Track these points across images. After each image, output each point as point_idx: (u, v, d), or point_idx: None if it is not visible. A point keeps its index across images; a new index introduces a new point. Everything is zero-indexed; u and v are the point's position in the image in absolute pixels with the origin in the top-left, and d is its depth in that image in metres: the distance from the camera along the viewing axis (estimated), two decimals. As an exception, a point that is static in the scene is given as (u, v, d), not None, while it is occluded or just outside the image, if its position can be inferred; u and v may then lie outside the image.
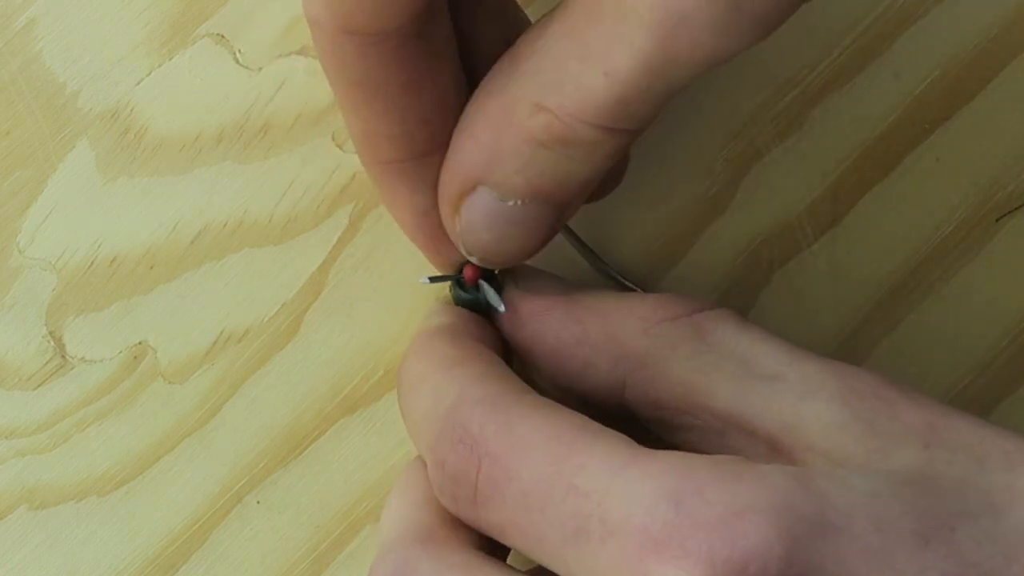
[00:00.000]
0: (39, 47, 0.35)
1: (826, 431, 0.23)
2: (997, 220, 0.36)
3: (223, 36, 0.35)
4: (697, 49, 0.23)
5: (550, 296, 0.28)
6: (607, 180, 0.30)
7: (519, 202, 0.25)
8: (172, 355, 0.35)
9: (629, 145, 0.25)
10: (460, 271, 0.29)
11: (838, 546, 0.21)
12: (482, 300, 0.29)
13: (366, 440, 0.35)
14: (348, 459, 0.35)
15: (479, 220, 0.26)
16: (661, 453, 0.22)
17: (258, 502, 0.35)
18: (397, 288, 0.35)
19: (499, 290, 0.29)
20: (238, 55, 0.35)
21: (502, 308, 0.28)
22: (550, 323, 0.27)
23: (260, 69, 0.35)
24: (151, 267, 0.35)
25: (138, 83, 0.35)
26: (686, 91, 0.36)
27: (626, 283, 0.34)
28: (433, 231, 0.28)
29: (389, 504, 0.29)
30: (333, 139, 0.35)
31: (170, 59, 0.35)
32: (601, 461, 0.22)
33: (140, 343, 0.35)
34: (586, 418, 0.24)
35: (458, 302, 0.30)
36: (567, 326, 0.27)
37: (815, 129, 0.36)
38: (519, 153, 0.25)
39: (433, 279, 0.30)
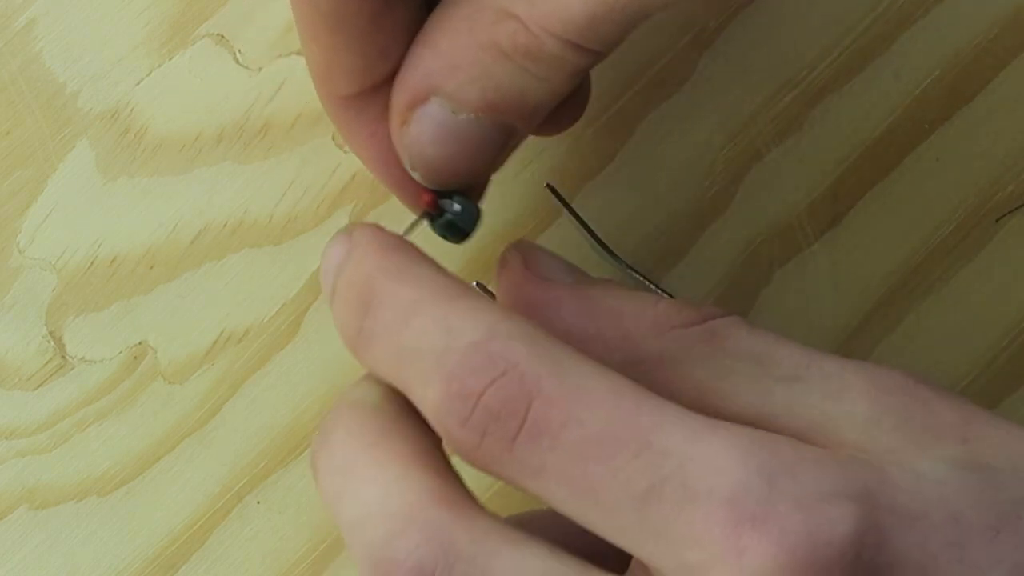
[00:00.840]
0: (39, 47, 0.35)
1: (858, 427, 0.23)
2: (997, 220, 0.36)
3: (223, 36, 0.35)
4: None
5: (561, 287, 0.27)
6: (566, 111, 0.29)
7: (471, 116, 0.25)
8: (172, 355, 0.35)
9: (587, 70, 0.25)
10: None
11: (919, 536, 0.21)
12: (458, 217, 0.28)
13: (366, 440, 0.35)
14: (348, 459, 0.35)
15: (428, 132, 0.25)
16: (734, 425, 0.22)
17: (258, 502, 0.35)
18: (397, 288, 0.35)
19: (465, 203, 0.28)
20: (238, 55, 0.35)
21: (475, 211, 0.27)
22: (560, 315, 0.26)
23: (260, 69, 0.35)
24: (151, 267, 0.35)
25: (138, 83, 0.35)
26: (686, 91, 0.36)
27: (636, 274, 0.34)
28: (395, 166, 0.28)
29: (355, 463, 0.24)
30: (333, 139, 0.35)
31: (170, 59, 0.35)
32: (676, 423, 0.22)
33: (140, 343, 0.35)
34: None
35: (440, 232, 0.28)
36: (579, 321, 0.26)
37: (815, 129, 0.36)
38: (478, 62, 0.24)
39: (406, 231, 0.28)
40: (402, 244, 0.25)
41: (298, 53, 0.35)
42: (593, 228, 0.34)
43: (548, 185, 0.35)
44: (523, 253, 0.27)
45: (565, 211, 0.34)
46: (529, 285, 0.26)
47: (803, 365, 0.24)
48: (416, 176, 0.27)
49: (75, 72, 0.35)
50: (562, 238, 0.35)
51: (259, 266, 0.35)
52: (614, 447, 0.21)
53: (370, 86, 0.26)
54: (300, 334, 0.35)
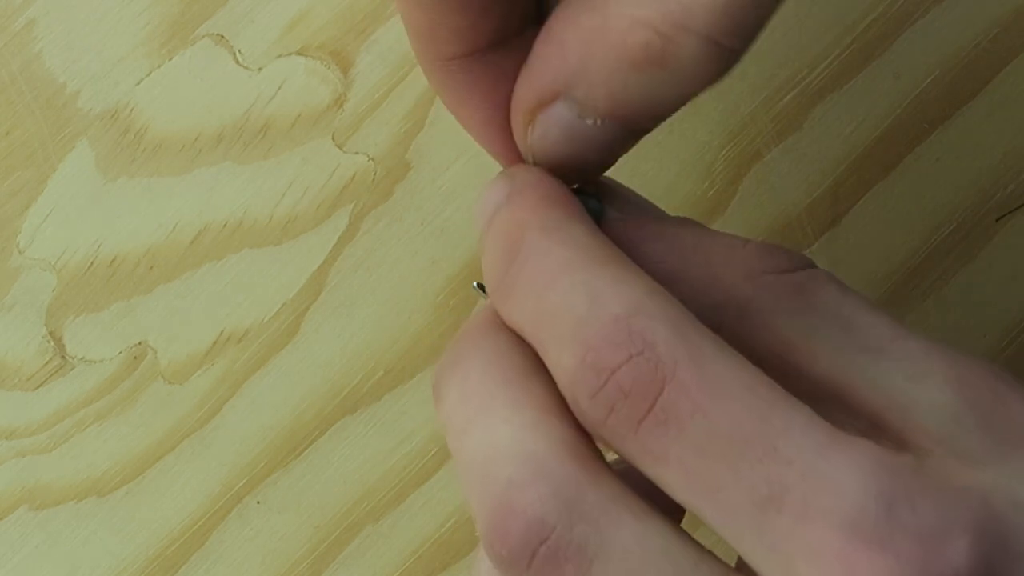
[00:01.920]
0: (39, 47, 0.35)
1: (940, 419, 0.22)
2: (997, 220, 0.36)
3: (223, 36, 0.35)
4: None
5: (647, 223, 0.26)
6: None
7: (597, 121, 0.24)
8: (172, 355, 0.35)
9: (720, 75, 0.24)
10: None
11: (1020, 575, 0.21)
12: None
13: (366, 440, 0.35)
14: (348, 459, 0.35)
15: (553, 134, 0.25)
16: (858, 440, 0.21)
17: (258, 502, 0.35)
18: (397, 288, 0.35)
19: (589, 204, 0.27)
20: (238, 55, 0.35)
21: (598, 208, 0.26)
22: (647, 253, 0.25)
23: (260, 69, 0.35)
24: (151, 267, 0.35)
25: (138, 83, 0.35)
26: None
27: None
28: (500, 132, 0.27)
29: (491, 397, 0.23)
30: (333, 139, 0.35)
31: (170, 59, 0.35)
32: (804, 431, 0.21)
33: (140, 343, 0.35)
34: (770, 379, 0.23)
35: None
36: (666, 258, 0.25)
37: (815, 129, 0.36)
38: (608, 70, 0.23)
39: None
40: (561, 198, 0.25)
41: (298, 53, 0.35)
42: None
43: None
44: (604, 192, 0.27)
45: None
46: (613, 225, 0.26)
47: (888, 338, 0.23)
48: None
49: (75, 72, 0.35)
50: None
51: (259, 266, 0.35)
52: (740, 447, 0.21)
53: (473, 48, 0.25)
54: (300, 334, 0.35)
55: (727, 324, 0.24)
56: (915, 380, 0.23)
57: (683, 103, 0.24)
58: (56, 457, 0.34)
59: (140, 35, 0.35)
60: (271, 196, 0.35)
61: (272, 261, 0.35)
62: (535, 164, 0.26)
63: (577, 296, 0.22)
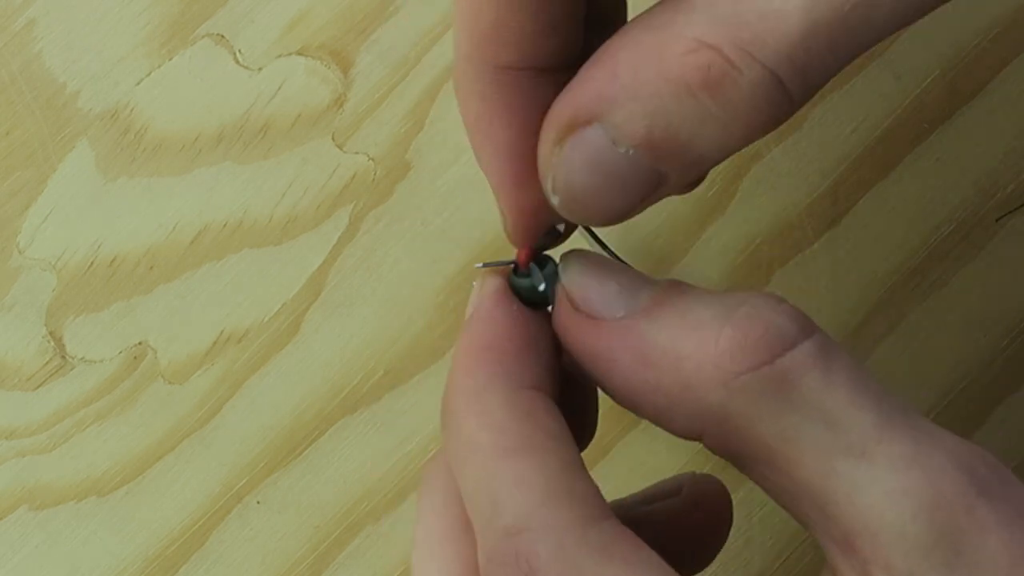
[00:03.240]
0: (39, 47, 0.35)
1: (909, 554, 0.22)
2: (997, 220, 0.36)
3: (223, 36, 0.35)
4: None
5: (613, 332, 0.25)
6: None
7: (631, 151, 0.23)
8: (172, 355, 0.35)
9: (771, 126, 0.22)
10: (515, 258, 0.27)
11: None
12: (536, 287, 0.26)
13: (366, 440, 0.35)
14: (348, 459, 0.35)
15: (581, 158, 0.23)
16: None
17: (258, 502, 0.35)
18: (397, 288, 0.35)
19: (553, 275, 0.26)
20: (238, 55, 0.35)
21: (542, 287, 0.26)
22: (617, 367, 0.24)
23: (260, 69, 0.35)
24: (151, 267, 0.35)
25: (138, 83, 0.35)
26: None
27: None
28: (518, 162, 0.25)
29: (424, 538, 0.25)
30: (333, 139, 0.35)
31: (170, 59, 0.35)
32: None
33: (140, 343, 0.35)
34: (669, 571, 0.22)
35: (515, 289, 0.27)
36: (638, 372, 0.24)
37: (815, 129, 0.36)
38: (657, 95, 0.22)
39: (487, 264, 0.27)
40: (500, 343, 0.24)
41: (298, 53, 0.35)
42: (593, 228, 0.34)
43: None
44: (570, 287, 0.26)
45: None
46: (580, 330, 0.25)
47: (874, 440, 0.23)
48: (553, 201, 0.25)
49: (75, 72, 0.35)
50: (562, 238, 0.35)
51: (259, 266, 0.35)
52: None
53: (531, 61, 0.24)
54: (300, 334, 0.35)
55: (707, 431, 0.24)
56: (892, 499, 0.22)
57: (720, 154, 0.23)
58: (56, 457, 0.34)
59: (140, 35, 0.35)
60: (271, 196, 0.35)
61: (272, 261, 0.35)
62: (553, 192, 0.24)
63: (481, 495, 0.23)
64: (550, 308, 0.26)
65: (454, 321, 0.35)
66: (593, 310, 0.25)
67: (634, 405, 0.24)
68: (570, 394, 0.26)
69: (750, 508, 0.34)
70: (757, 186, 0.36)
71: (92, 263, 0.35)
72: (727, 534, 0.28)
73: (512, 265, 0.27)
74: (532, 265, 0.26)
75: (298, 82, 0.35)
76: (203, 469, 0.34)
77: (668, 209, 0.36)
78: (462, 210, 0.35)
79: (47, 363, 0.35)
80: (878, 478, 0.22)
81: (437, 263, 0.35)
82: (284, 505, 0.35)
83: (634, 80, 0.22)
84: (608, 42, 0.23)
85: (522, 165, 0.25)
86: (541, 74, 0.24)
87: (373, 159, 0.35)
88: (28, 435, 0.34)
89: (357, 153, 0.35)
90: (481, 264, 0.27)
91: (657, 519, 0.27)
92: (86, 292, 0.35)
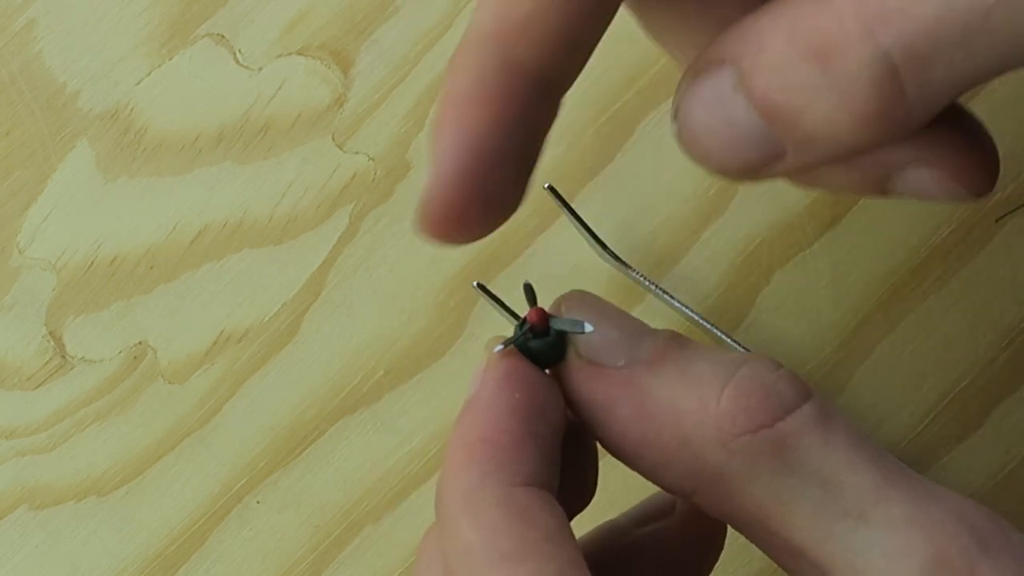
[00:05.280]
0: (39, 47, 0.35)
1: None
2: (997, 220, 0.36)
3: (223, 36, 0.35)
4: None
5: (614, 382, 0.24)
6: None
7: (746, 102, 0.22)
8: (172, 355, 0.35)
9: (864, 136, 0.21)
10: (524, 320, 0.25)
11: None
12: (547, 347, 0.25)
13: (366, 440, 0.35)
14: (348, 459, 0.35)
15: (705, 93, 0.22)
16: None
17: (258, 502, 0.35)
18: (397, 288, 0.35)
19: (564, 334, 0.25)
20: (238, 55, 0.35)
21: (588, 328, 0.24)
22: (616, 417, 0.24)
23: (260, 69, 0.35)
24: (151, 267, 0.35)
25: (138, 83, 0.35)
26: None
27: (636, 274, 0.34)
28: (472, 166, 0.23)
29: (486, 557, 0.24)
30: (333, 139, 0.35)
31: (170, 59, 0.35)
32: None
33: (140, 343, 0.35)
34: None
35: (521, 349, 0.25)
36: (636, 424, 0.24)
37: (815, 129, 0.36)
38: (777, 52, 0.21)
39: (507, 343, 0.25)
40: (488, 447, 0.23)
41: (298, 53, 0.35)
42: (593, 228, 0.34)
43: (548, 186, 0.35)
44: (574, 345, 0.25)
45: (565, 211, 0.34)
46: (581, 378, 0.25)
47: (871, 501, 0.22)
48: (672, 128, 0.24)
49: (75, 72, 0.35)
50: (562, 238, 0.35)
51: (259, 266, 0.35)
52: None
53: (538, 67, 0.22)
54: (300, 334, 0.35)
55: (702, 489, 0.23)
56: (891, 561, 0.22)
57: (825, 140, 0.21)
58: (56, 457, 0.34)
59: (140, 35, 0.35)
60: (271, 196, 0.35)
61: (272, 261, 0.35)
62: (674, 119, 0.23)
63: None
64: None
65: (454, 321, 0.35)
66: (593, 356, 0.24)
67: (629, 457, 0.24)
68: (572, 448, 0.25)
69: (750, 508, 0.34)
70: (757, 186, 0.36)
71: (92, 263, 0.35)
72: (722, 548, 0.28)
73: (521, 324, 0.25)
74: (553, 320, 0.25)
75: (298, 82, 0.35)
76: (203, 469, 0.34)
77: (668, 209, 0.36)
78: (462, 210, 0.35)
79: (47, 363, 0.35)
80: (876, 540, 0.22)
81: (437, 263, 0.35)
82: (284, 505, 0.35)
83: (767, 33, 0.21)
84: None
85: (477, 164, 0.23)
86: (541, 84, 0.23)
87: (373, 159, 0.35)
88: (28, 435, 0.34)
89: (357, 153, 0.35)
90: (500, 346, 0.25)
91: (653, 541, 0.27)
92: (86, 292, 0.35)
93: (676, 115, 0.23)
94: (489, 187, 0.23)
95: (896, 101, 0.20)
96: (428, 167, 0.23)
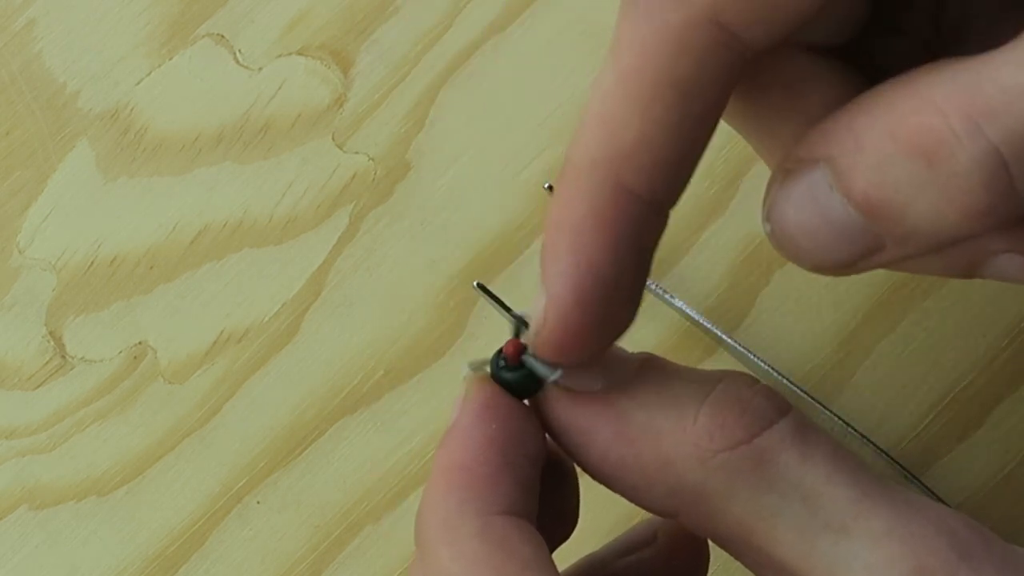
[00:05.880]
0: (39, 47, 0.35)
1: None
2: (997, 220, 0.36)
3: (223, 36, 0.35)
4: None
5: (593, 407, 0.25)
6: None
7: (844, 201, 0.22)
8: (172, 355, 0.35)
9: (964, 227, 0.21)
10: (500, 351, 0.26)
11: None
12: (523, 378, 0.25)
13: (366, 440, 0.35)
14: (348, 459, 0.35)
15: (799, 193, 0.23)
16: None
17: (258, 502, 0.35)
18: (397, 288, 0.35)
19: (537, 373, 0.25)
20: (238, 55, 0.35)
21: (555, 376, 0.24)
22: (595, 442, 0.24)
23: (260, 69, 0.35)
24: (151, 267, 0.35)
25: (138, 83, 0.35)
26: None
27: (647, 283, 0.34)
28: (589, 292, 0.23)
29: None
30: (333, 139, 0.35)
31: (170, 59, 0.35)
32: None
33: (140, 343, 0.35)
34: None
35: (498, 380, 0.26)
36: (616, 447, 0.24)
37: (815, 129, 0.36)
38: (879, 150, 0.21)
39: (472, 365, 0.26)
40: (466, 476, 0.23)
41: (298, 53, 0.35)
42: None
43: (548, 186, 0.35)
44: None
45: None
46: (559, 404, 0.25)
47: (851, 514, 0.22)
48: (766, 228, 0.24)
49: (75, 72, 0.35)
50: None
51: (259, 266, 0.35)
52: None
53: (649, 192, 0.23)
54: (300, 334, 0.35)
55: (684, 508, 0.23)
56: (874, 571, 0.22)
57: (930, 235, 0.21)
58: (56, 457, 0.34)
59: (140, 35, 0.35)
60: (271, 196, 0.35)
61: (272, 261, 0.35)
62: (766, 219, 0.23)
63: None
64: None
65: (454, 321, 0.35)
66: (571, 383, 0.24)
67: (610, 480, 0.24)
68: (553, 478, 0.25)
69: (750, 508, 0.34)
70: (757, 186, 0.36)
71: (92, 263, 0.35)
72: (706, 571, 0.28)
73: (497, 355, 0.25)
74: (528, 359, 0.25)
75: (298, 82, 0.35)
76: (203, 469, 0.34)
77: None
78: (462, 210, 0.35)
79: (47, 363, 0.35)
80: (857, 553, 0.22)
81: (437, 263, 0.35)
82: (284, 505, 0.35)
83: (864, 132, 0.21)
84: (863, 94, 0.22)
85: (594, 289, 0.23)
86: (651, 206, 0.23)
87: (373, 159, 0.35)
88: (28, 435, 0.34)
89: (357, 153, 0.35)
90: (467, 367, 0.25)
91: (636, 572, 0.27)
92: (86, 292, 0.35)
93: (769, 216, 0.24)
94: (606, 309, 0.23)
95: (1006, 195, 0.20)
96: (541, 293, 0.23)
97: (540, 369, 0.24)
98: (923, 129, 0.20)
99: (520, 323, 0.25)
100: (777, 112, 0.25)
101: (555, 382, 0.24)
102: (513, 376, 0.25)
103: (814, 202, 0.22)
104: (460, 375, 0.26)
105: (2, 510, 0.34)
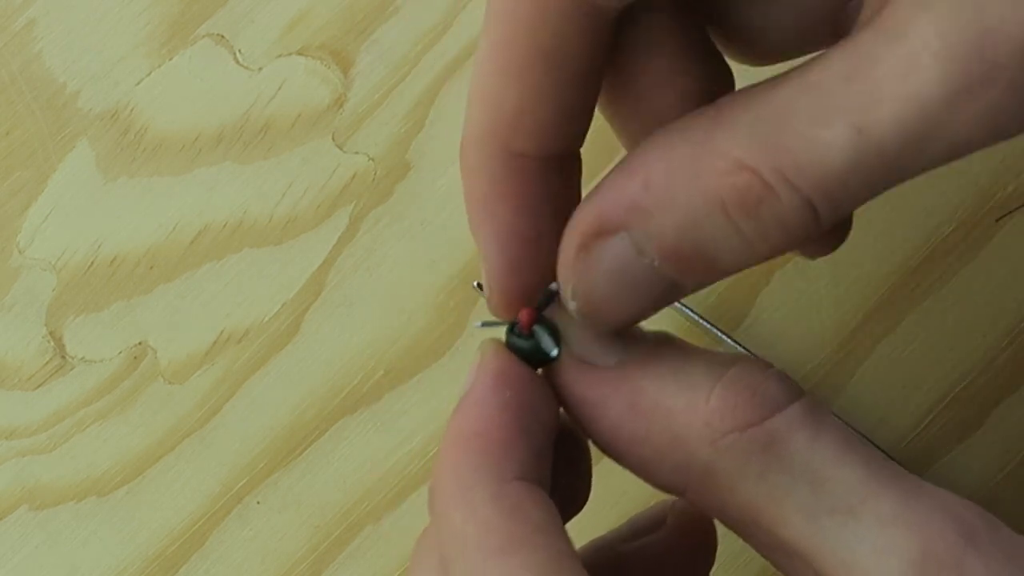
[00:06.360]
0: (39, 47, 0.35)
1: None
2: (997, 220, 0.36)
3: (223, 36, 0.35)
4: (994, 115, 0.20)
5: (605, 380, 0.25)
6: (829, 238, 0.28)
7: (654, 263, 0.23)
8: (172, 355, 0.35)
9: (801, 241, 0.22)
10: (515, 318, 0.26)
11: None
12: (536, 347, 0.26)
13: (366, 440, 0.35)
14: (348, 459, 0.35)
15: (605, 267, 0.23)
16: None
17: (258, 502, 0.35)
18: (397, 288, 0.35)
19: (555, 336, 0.26)
20: (238, 55, 0.35)
21: (554, 352, 0.25)
22: (607, 415, 0.24)
23: (260, 69, 0.35)
24: (151, 267, 0.35)
25: (138, 83, 0.35)
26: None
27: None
28: (516, 252, 0.25)
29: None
30: (333, 139, 0.35)
31: (170, 59, 0.35)
32: None
33: (140, 343, 0.35)
34: None
35: (512, 348, 0.26)
36: (628, 421, 0.24)
37: (815, 129, 0.36)
38: (690, 209, 0.22)
39: (486, 323, 0.26)
40: (480, 442, 0.24)
41: (298, 53, 0.35)
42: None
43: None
44: (566, 331, 0.26)
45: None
46: (573, 376, 0.25)
47: (859, 498, 0.23)
48: (570, 306, 0.25)
49: (75, 72, 0.35)
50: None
51: (259, 266, 0.35)
52: None
53: (549, 150, 0.24)
54: (300, 334, 0.35)
55: (692, 486, 0.24)
56: (879, 557, 0.22)
57: (736, 268, 0.23)
58: (56, 457, 0.34)
59: (140, 35, 0.35)
60: (271, 196, 0.35)
61: (272, 261, 0.35)
62: (572, 298, 0.24)
63: None
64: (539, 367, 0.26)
65: (454, 321, 0.35)
66: (586, 355, 0.25)
67: (620, 454, 0.24)
68: (565, 452, 0.26)
69: (750, 508, 0.34)
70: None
71: (92, 263, 0.35)
72: (714, 558, 0.28)
73: (512, 325, 0.26)
74: (537, 329, 0.25)
75: (298, 82, 0.35)
76: (203, 469, 0.34)
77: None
78: (462, 210, 0.35)
79: (47, 363, 0.35)
80: (865, 536, 0.22)
81: (437, 263, 0.35)
82: (284, 505, 0.35)
83: (668, 192, 0.22)
84: (639, 149, 0.23)
85: (520, 250, 0.25)
86: (549, 161, 0.24)
87: (373, 159, 0.35)
88: (28, 435, 0.34)
89: (357, 153, 0.35)
90: (480, 323, 0.26)
91: (644, 555, 0.27)
92: (86, 292, 0.35)
93: (575, 294, 0.24)
94: (540, 259, 0.24)
95: (814, 228, 0.22)
96: (482, 262, 0.25)
97: (544, 340, 0.25)
98: (738, 187, 0.21)
99: (548, 292, 0.25)
100: (634, 106, 0.25)
101: (575, 335, 0.25)
102: (527, 344, 0.25)
103: (622, 270, 0.23)
104: (473, 328, 0.26)
105: (2, 510, 0.34)
